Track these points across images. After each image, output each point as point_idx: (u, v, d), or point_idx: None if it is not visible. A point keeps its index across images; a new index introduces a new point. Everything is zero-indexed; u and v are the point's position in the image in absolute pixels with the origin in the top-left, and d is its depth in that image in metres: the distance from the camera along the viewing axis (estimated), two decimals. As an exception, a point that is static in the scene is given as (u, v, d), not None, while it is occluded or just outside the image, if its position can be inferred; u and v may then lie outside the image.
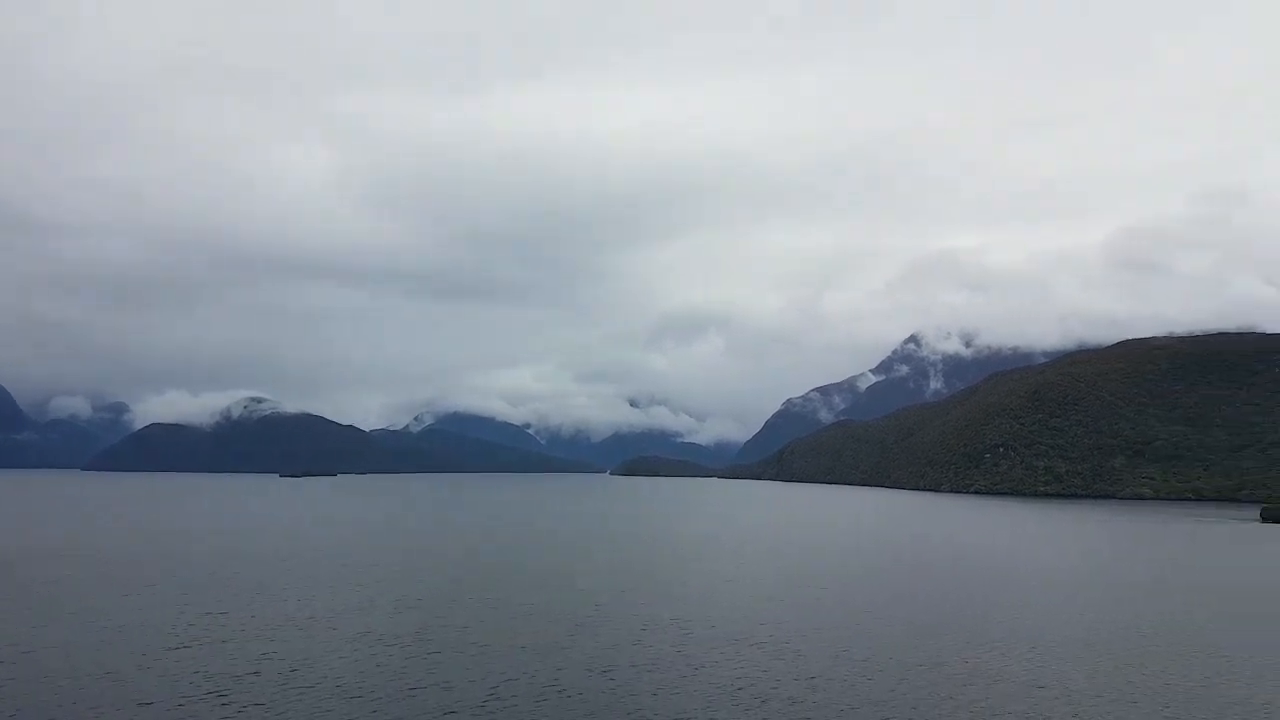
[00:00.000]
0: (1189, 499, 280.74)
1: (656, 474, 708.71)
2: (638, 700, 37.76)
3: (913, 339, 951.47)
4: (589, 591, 69.01)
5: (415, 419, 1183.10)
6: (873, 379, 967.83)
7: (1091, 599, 71.58)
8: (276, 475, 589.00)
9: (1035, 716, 36.57)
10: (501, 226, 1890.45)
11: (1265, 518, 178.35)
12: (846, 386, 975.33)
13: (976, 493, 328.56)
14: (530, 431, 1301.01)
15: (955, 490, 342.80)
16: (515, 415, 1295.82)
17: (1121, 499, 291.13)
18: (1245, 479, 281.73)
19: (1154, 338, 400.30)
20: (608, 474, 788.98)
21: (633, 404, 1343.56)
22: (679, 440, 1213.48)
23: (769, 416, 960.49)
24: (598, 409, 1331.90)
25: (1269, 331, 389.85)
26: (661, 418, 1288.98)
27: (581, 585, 72.86)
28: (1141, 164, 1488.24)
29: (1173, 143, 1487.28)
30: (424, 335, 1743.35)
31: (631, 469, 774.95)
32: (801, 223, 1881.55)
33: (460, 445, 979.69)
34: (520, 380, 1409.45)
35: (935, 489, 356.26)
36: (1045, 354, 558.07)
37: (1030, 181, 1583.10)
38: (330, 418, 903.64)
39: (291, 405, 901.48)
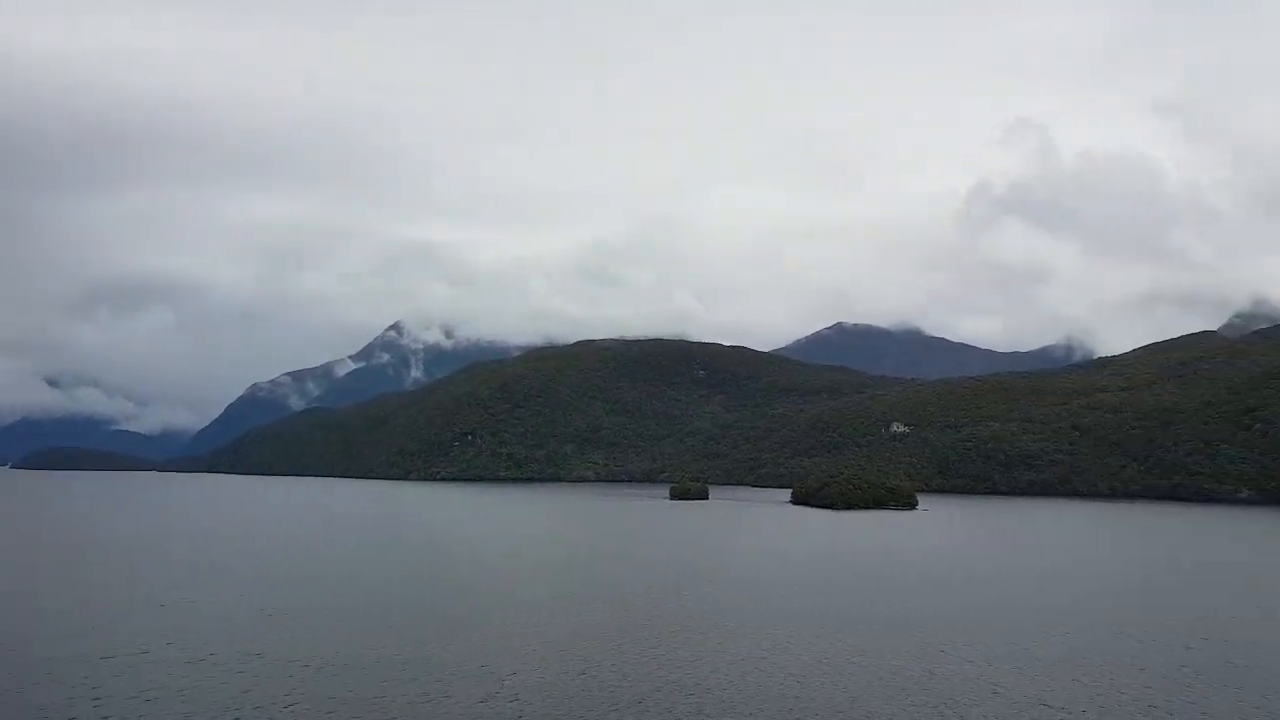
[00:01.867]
0: (623, 480, 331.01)
1: (77, 467, 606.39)
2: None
3: (395, 327, 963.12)
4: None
5: None
6: (352, 365, 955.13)
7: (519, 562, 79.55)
8: None
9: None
10: None
11: (673, 495, 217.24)
12: (323, 372, 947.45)
13: (444, 479, 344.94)
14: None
15: (424, 478, 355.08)
16: None
17: (569, 481, 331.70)
18: (666, 463, 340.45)
19: (606, 340, 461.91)
20: (7, 468, 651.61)
21: (51, 384, 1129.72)
22: (112, 428, 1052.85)
23: (230, 403, 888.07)
24: (0, 388, 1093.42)
25: (695, 340, 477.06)
26: (91, 401, 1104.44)
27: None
28: (603, 183, 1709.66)
29: (627, 167, 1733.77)
30: None
31: (42, 462, 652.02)
32: (268, 192, 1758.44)
33: None
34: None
35: (405, 477, 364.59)
36: (519, 349, 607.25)
37: (507, 185, 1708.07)
38: None
39: None
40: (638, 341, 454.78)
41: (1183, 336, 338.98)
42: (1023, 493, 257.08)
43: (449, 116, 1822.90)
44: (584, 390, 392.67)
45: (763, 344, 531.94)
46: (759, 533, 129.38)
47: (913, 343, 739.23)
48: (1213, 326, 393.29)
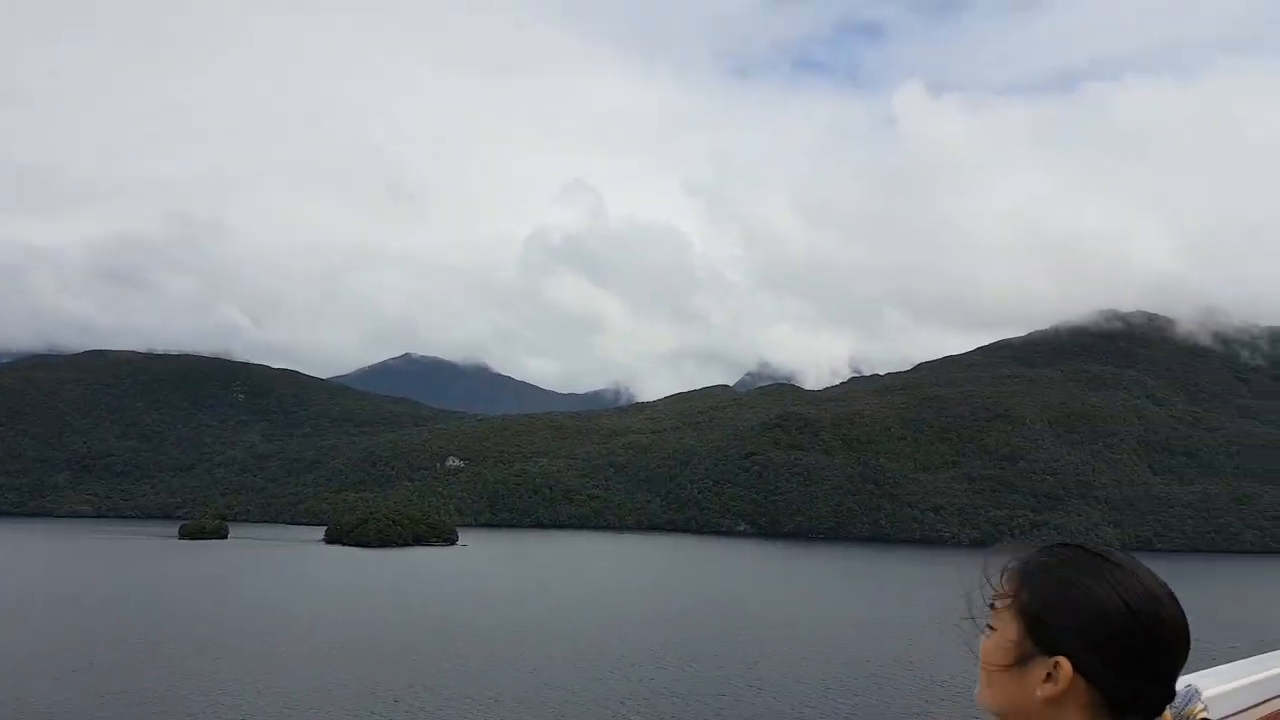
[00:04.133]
0: (130, 516, 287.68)
1: None
2: None
3: None
4: None
5: None
6: None
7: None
8: None
9: None
10: None
11: (183, 534, 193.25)
12: None
13: None
14: None
15: None
16: None
17: (58, 516, 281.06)
18: (188, 496, 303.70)
19: (126, 351, 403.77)
20: None
21: None
22: None
23: None
24: None
25: (239, 359, 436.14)
26: None
27: None
28: (134, 173, 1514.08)
29: (165, 159, 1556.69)
30: None
31: None
32: None
33: None
34: None
35: None
36: (7, 355, 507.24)
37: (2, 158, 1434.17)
38: None
39: None
40: (166, 356, 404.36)
41: (703, 389, 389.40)
42: (563, 525, 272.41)
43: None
44: (89, 408, 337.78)
45: (323, 370, 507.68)
46: (269, 579, 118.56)
47: (480, 378, 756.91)
48: (729, 381, 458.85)
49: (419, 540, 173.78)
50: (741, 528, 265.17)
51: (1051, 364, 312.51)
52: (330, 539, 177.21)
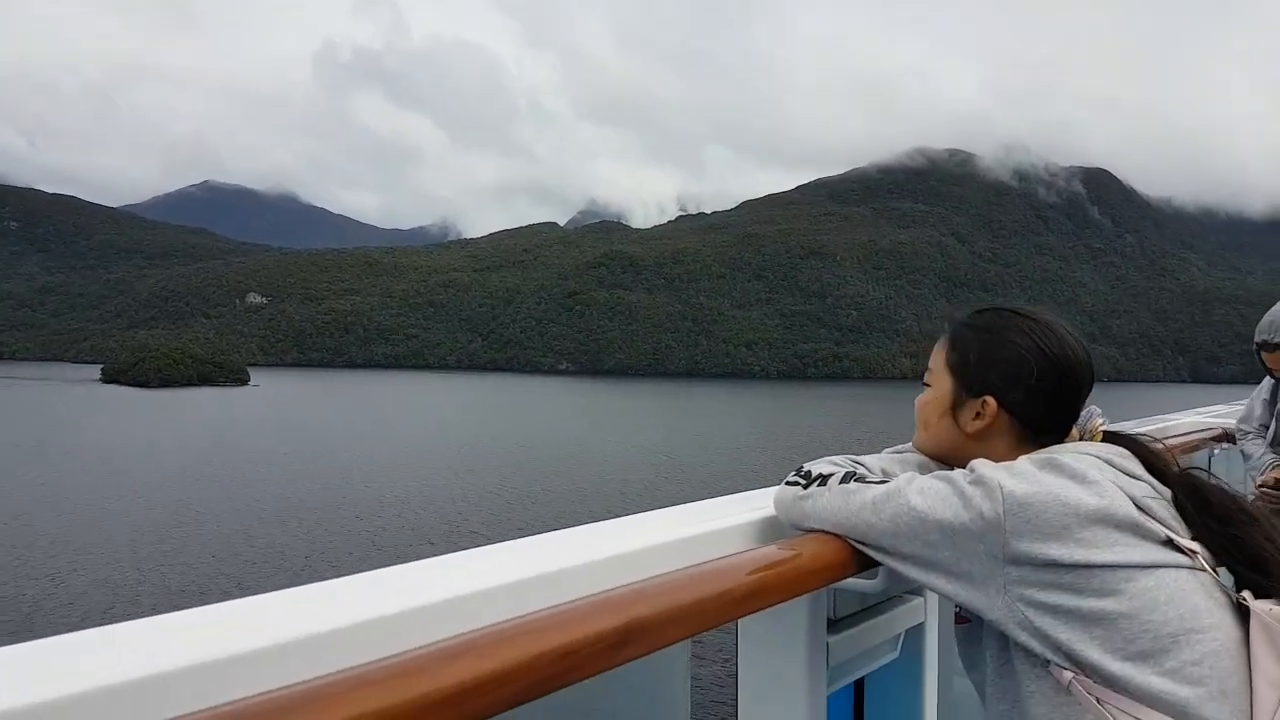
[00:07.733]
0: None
1: None
2: None
3: None
4: None
5: None
6: None
7: None
8: None
9: None
10: None
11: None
12: None
13: None
14: None
15: None
16: None
17: None
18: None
19: None
20: None
21: None
22: None
23: None
24: None
25: (11, 184, 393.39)
26: None
27: None
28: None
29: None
30: None
31: None
32: None
33: None
34: None
35: None
36: None
37: None
38: None
39: None
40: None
41: (530, 225, 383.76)
42: (378, 365, 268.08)
43: None
44: None
45: (111, 197, 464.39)
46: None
47: (289, 210, 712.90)
48: (560, 219, 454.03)
49: (205, 380, 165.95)
50: (563, 366, 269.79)
51: (865, 202, 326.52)
52: (107, 378, 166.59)
